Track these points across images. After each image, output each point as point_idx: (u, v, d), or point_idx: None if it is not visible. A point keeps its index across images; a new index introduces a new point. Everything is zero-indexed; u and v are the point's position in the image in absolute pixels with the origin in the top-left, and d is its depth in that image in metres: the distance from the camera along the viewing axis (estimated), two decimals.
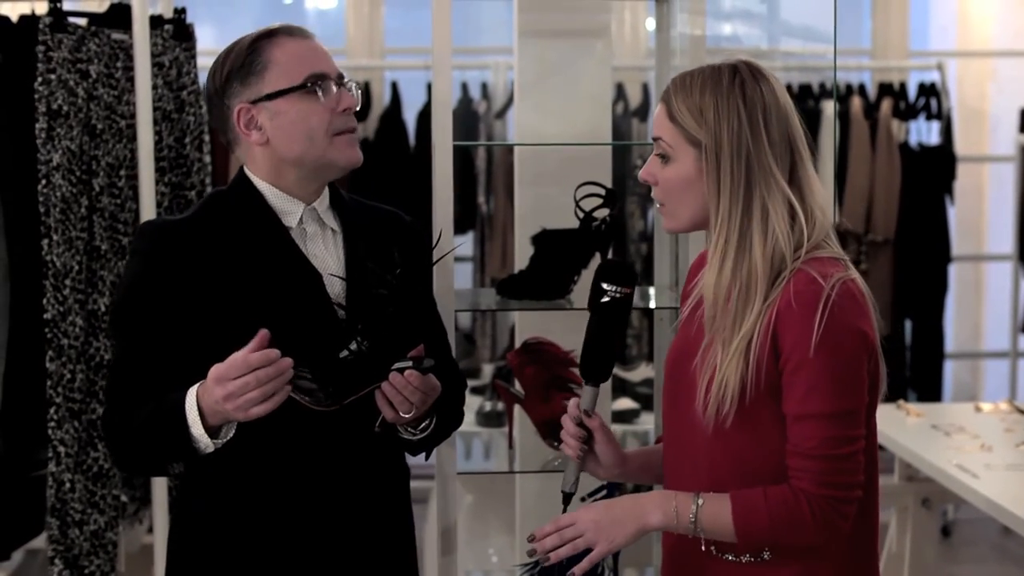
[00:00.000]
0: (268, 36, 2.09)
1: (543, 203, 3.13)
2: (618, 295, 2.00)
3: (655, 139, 1.99)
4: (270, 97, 2.06)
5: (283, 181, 2.10)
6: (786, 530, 1.90)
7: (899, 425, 4.05)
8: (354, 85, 2.13)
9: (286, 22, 2.15)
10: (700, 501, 1.92)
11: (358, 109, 2.13)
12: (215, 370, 1.90)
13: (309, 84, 2.06)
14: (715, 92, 1.92)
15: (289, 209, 2.11)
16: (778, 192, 1.92)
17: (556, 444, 2.88)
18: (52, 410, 3.24)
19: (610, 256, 2.93)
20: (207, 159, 3.53)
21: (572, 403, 2.06)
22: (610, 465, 2.09)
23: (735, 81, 1.93)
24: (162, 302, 2.01)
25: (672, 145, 1.96)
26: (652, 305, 3.15)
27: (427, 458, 2.31)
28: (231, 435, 1.97)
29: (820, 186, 1.98)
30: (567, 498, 2.09)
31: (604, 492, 2.64)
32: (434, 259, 2.24)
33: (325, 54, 2.12)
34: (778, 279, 1.90)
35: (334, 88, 2.08)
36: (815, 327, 1.84)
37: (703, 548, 1.96)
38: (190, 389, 1.96)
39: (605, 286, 2.01)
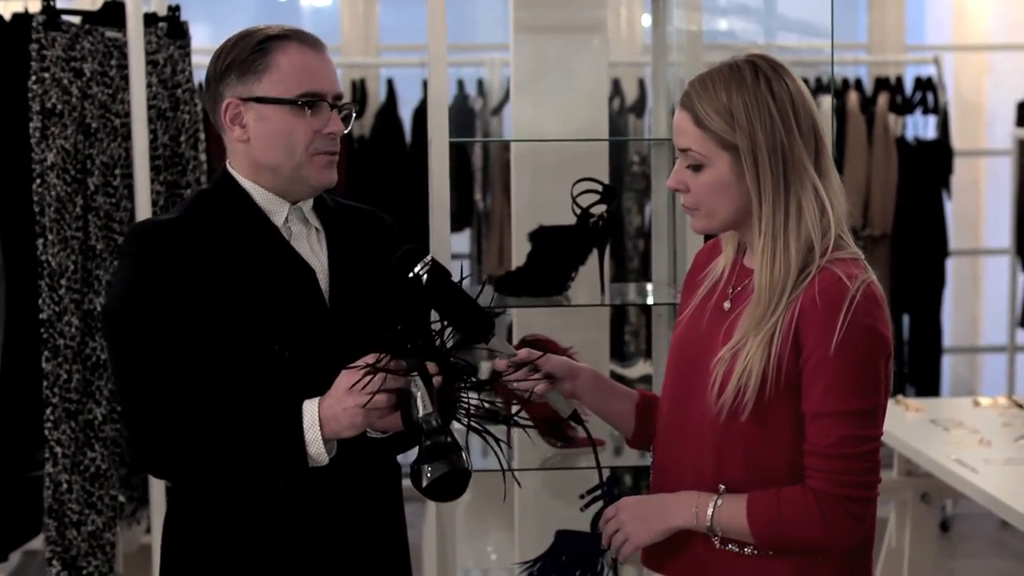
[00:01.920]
0: (279, 38, 2.06)
1: (540, 199, 3.13)
2: (429, 264, 1.98)
3: (682, 150, 1.96)
4: (261, 100, 2.05)
5: (263, 181, 2.10)
6: (799, 530, 1.90)
7: (898, 420, 4.04)
8: (349, 109, 2.11)
9: (294, 25, 2.12)
10: (719, 502, 1.93)
11: (346, 131, 2.11)
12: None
13: (301, 102, 2.04)
14: (741, 91, 1.90)
15: (275, 208, 2.11)
16: (809, 185, 1.92)
17: (556, 442, 2.87)
18: (48, 410, 3.23)
19: (607, 254, 2.92)
20: (202, 157, 3.52)
21: (497, 362, 2.07)
22: (565, 373, 2.11)
23: (759, 78, 1.91)
24: (162, 303, 2.00)
25: (704, 153, 1.93)
26: (650, 301, 3.14)
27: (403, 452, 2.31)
28: (334, 452, 1.99)
29: (837, 174, 1.99)
30: (573, 416, 2.13)
31: (603, 489, 2.63)
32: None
33: (329, 71, 2.09)
34: (803, 273, 1.90)
35: (326, 109, 2.07)
36: (838, 326, 1.85)
37: (710, 538, 1.97)
38: (305, 404, 1.96)
39: (417, 269, 1.97)
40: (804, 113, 1.93)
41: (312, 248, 2.13)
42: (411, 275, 1.97)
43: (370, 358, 1.92)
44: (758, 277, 1.93)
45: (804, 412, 1.90)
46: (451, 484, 1.89)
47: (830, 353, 1.85)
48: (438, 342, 1.97)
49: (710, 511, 1.93)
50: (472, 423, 2.00)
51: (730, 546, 1.96)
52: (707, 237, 2.19)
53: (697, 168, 1.94)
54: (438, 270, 1.98)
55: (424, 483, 1.88)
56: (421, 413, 1.89)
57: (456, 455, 1.88)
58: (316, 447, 1.96)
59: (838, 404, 1.87)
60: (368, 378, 1.90)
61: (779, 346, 1.88)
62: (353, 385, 1.92)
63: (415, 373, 1.89)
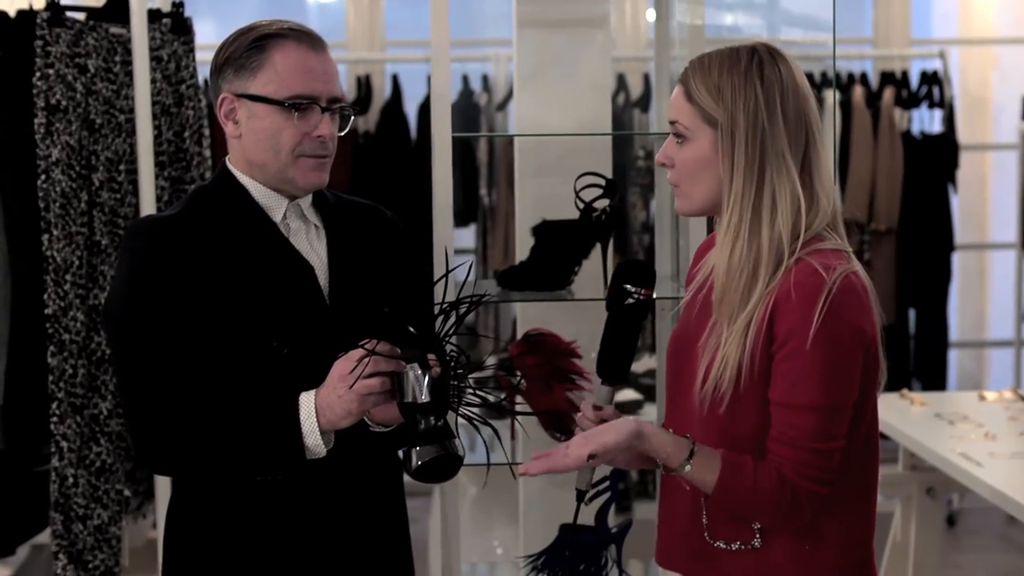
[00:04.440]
0: (278, 36, 2.06)
1: (544, 194, 3.12)
2: (641, 297, 1.98)
3: (671, 122, 1.98)
4: (253, 98, 2.05)
5: (258, 177, 2.10)
6: (759, 507, 1.90)
7: (903, 414, 4.04)
8: (345, 112, 2.10)
9: (295, 21, 2.12)
10: (695, 452, 1.91)
11: (343, 132, 2.11)
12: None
13: (288, 103, 2.04)
14: (732, 71, 1.93)
15: (273, 204, 2.11)
16: (786, 177, 1.92)
17: (559, 435, 2.88)
18: (54, 405, 3.24)
19: (611, 248, 2.92)
20: (207, 153, 3.53)
21: (586, 404, 2.04)
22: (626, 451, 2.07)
23: (753, 61, 1.94)
24: (162, 299, 2.00)
25: (689, 126, 1.95)
26: (653, 295, 3.13)
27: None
28: (331, 444, 1.99)
29: (829, 172, 1.98)
30: (581, 495, 2.08)
31: (607, 483, 2.63)
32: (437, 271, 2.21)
33: (325, 72, 2.08)
34: (780, 266, 1.90)
35: (317, 112, 2.06)
36: (814, 319, 1.84)
37: (702, 535, 1.97)
38: (301, 396, 1.96)
39: (629, 287, 1.98)
40: (793, 103, 1.93)
41: (311, 244, 2.13)
42: (630, 293, 1.97)
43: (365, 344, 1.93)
44: (716, 257, 1.94)
45: (770, 399, 1.90)
46: (441, 468, 1.90)
47: (806, 346, 1.84)
48: (441, 331, 1.97)
49: (687, 468, 1.91)
50: (466, 411, 2.00)
51: (719, 543, 1.97)
52: (709, 231, 2.20)
53: (682, 141, 1.97)
54: (647, 305, 1.98)
55: (413, 466, 1.89)
56: (417, 398, 1.89)
57: (448, 440, 1.89)
58: (313, 439, 1.96)
59: (808, 397, 1.86)
60: (362, 364, 1.90)
61: (753, 337, 1.88)
62: (346, 370, 1.92)
63: (414, 363, 1.90)
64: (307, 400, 1.97)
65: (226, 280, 2.03)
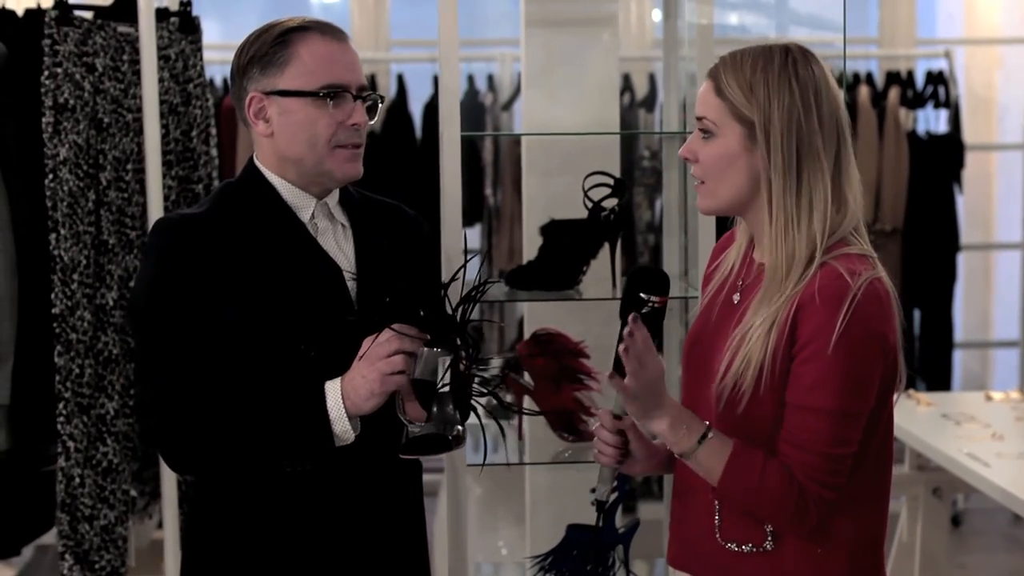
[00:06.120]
0: (300, 30, 2.06)
1: (551, 193, 3.12)
2: (656, 305, 1.97)
3: (699, 118, 1.97)
4: (283, 94, 2.05)
5: (289, 175, 2.10)
6: (765, 504, 1.89)
7: (910, 414, 4.04)
8: (374, 99, 2.11)
9: (312, 16, 2.13)
10: (709, 435, 1.90)
11: (372, 122, 2.11)
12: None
13: (322, 93, 2.04)
14: (766, 70, 1.92)
15: (302, 204, 2.10)
16: (820, 177, 1.92)
17: (567, 435, 2.87)
18: (61, 405, 3.24)
19: (619, 250, 2.92)
20: (214, 152, 3.53)
21: (604, 413, 2.03)
22: (643, 459, 2.06)
23: (787, 60, 1.93)
24: (187, 297, 2.00)
25: (716, 121, 1.94)
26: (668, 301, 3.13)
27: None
28: (358, 430, 1.99)
29: (857, 173, 1.98)
30: (601, 507, 2.07)
31: (615, 483, 2.63)
32: (450, 272, 2.21)
33: (351, 62, 2.08)
34: (808, 268, 1.89)
35: (349, 101, 2.06)
36: (837, 324, 1.83)
37: (714, 536, 1.96)
38: (327, 384, 1.97)
39: (644, 296, 1.97)
40: (827, 103, 1.93)
41: (338, 244, 2.12)
42: (645, 302, 1.95)
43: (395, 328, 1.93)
44: (769, 258, 1.93)
45: (786, 401, 1.89)
46: (429, 447, 1.92)
47: (828, 350, 1.83)
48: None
49: (695, 441, 1.89)
50: (478, 403, 2.00)
51: (730, 544, 1.96)
52: (719, 231, 2.19)
53: (708, 136, 1.95)
54: (661, 313, 1.97)
55: (405, 438, 1.91)
56: (436, 379, 1.90)
57: (449, 425, 1.90)
58: (341, 424, 1.96)
59: (825, 401, 1.85)
60: (384, 338, 1.91)
61: (776, 339, 1.87)
62: (369, 351, 1.93)
63: (447, 355, 1.90)
64: (333, 387, 1.97)
65: (253, 279, 2.02)
